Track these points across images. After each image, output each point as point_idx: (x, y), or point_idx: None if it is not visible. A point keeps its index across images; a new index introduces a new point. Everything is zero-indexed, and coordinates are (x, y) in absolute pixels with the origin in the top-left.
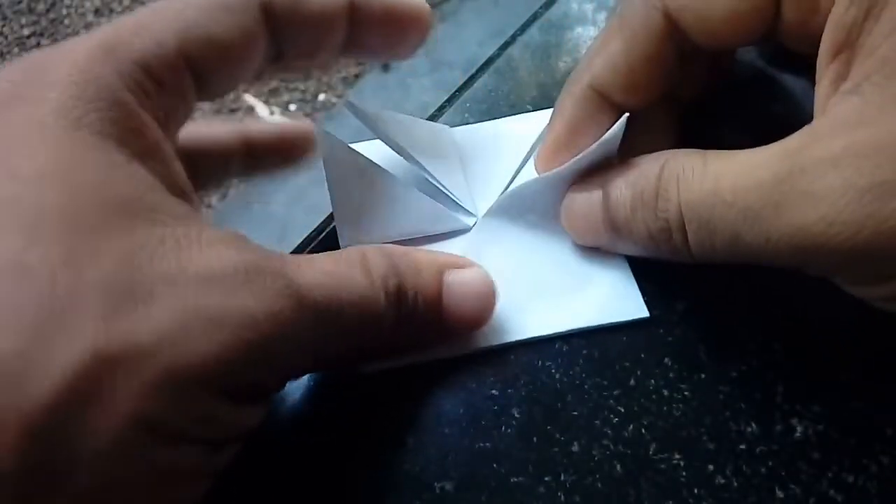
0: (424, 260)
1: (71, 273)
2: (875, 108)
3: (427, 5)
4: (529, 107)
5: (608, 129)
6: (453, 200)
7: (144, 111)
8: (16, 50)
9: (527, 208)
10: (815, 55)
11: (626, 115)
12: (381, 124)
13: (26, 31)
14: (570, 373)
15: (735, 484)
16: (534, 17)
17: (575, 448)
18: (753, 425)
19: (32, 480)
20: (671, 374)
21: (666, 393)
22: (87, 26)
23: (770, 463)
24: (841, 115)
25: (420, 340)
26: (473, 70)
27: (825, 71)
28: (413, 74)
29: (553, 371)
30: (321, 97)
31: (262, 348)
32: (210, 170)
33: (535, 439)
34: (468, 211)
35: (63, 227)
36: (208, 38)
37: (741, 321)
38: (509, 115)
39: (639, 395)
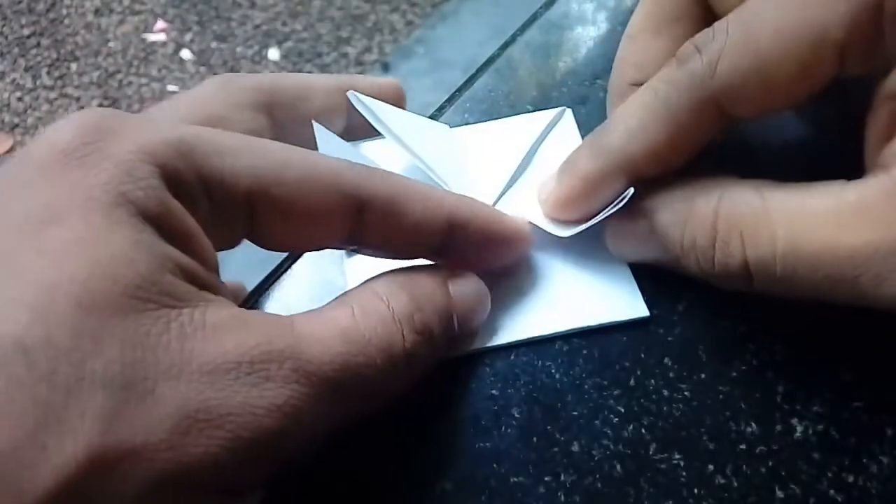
0: (430, 280)
1: (72, 362)
2: None
3: (527, 224)
4: (529, 107)
5: (620, 195)
6: None
7: (187, 217)
8: (16, 50)
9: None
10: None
11: (632, 190)
12: (383, 117)
13: (26, 31)
14: (570, 373)
15: (735, 484)
16: (534, 17)
17: (575, 448)
18: (753, 425)
19: None
20: (671, 374)
21: (666, 393)
22: (87, 26)
23: (770, 463)
24: None
25: (435, 359)
26: (473, 70)
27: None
28: (413, 74)
29: (553, 371)
30: None
31: (265, 444)
32: None
33: (535, 439)
34: None
35: (71, 304)
36: (280, 199)
37: (741, 321)
38: (509, 115)
39: (639, 395)
